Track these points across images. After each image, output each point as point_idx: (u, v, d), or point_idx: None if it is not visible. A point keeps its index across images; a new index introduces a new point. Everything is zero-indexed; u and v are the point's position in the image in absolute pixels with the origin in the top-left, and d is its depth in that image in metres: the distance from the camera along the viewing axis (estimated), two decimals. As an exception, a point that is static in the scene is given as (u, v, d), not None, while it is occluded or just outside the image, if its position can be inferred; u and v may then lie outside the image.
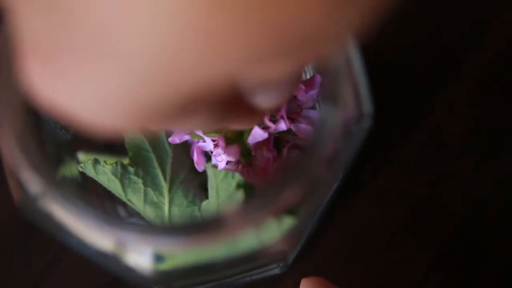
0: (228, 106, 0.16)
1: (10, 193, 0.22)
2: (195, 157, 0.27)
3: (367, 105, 0.22)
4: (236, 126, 0.19)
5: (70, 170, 0.29)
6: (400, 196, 0.36)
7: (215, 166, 0.25)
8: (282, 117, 0.26)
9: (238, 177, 0.25)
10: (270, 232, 0.21)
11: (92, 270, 0.34)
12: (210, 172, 0.25)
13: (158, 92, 0.13)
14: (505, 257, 0.35)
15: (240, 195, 0.25)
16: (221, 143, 0.26)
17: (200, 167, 0.27)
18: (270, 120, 0.26)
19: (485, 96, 0.37)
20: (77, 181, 0.29)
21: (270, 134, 0.26)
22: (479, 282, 0.35)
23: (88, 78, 0.13)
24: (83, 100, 0.14)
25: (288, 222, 0.21)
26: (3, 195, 0.34)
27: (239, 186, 0.25)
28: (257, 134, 0.26)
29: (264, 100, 0.17)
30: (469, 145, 0.36)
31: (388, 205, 0.36)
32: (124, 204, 0.31)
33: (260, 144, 0.26)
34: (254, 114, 0.19)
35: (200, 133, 0.27)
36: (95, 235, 0.21)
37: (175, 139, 0.27)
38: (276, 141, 0.27)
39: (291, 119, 0.26)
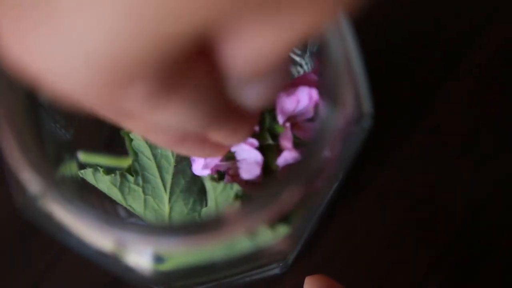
0: (211, 97, 0.15)
1: (10, 193, 0.22)
2: (196, 166, 0.27)
3: (367, 105, 0.22)
4: (222, 134, 0.18)
5: (70, 169, 0.29)
6: (400, 196, 0.36)
7: (214, 178, 0.25)
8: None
9: (236, 187, 0.25)
10: (267, 236, 0.21)
11: (92, 270, 0.34)
12: (208, 185, 0.25)
13: (132, 48, 0.12)
14: (505, 257, 0.35)
15: (237, 205, 0.25)
16: (255, 168, 0.26)
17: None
18: (295, 142, 0.26)
19: (485, 96, 0.37)
20: (77, 181, 0.29)
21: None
22: (479, 282, 0.34)
23: (57, 32, 0.12)
24: (51, 59, 0.13)
25: (283, 230, 0.21)
26: (3, 195, 0.34)
27: (236, 196, 0.25)
28: (290, 156, 0.25)
29: (251, 97, 0.16)
30: (469, 145, 0.36)
31: (388, 205, 0.36)
32: (124, 204, 0.31)
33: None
34: (242, 122, 0.18)
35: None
36: (95, 235, 0.21)
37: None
38: None
39: None
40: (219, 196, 0.25)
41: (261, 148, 0.26)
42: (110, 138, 0.33)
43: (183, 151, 0.20)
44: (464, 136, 0.37)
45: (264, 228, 0.21)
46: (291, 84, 0.26)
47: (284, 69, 0.16)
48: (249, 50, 0.13)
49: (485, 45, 0.38)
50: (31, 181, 0.20)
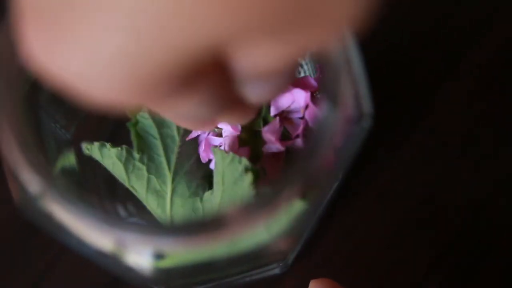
0: (222, 94, 0.17)
1: (10, 193, 0.22)
2: (202, 148, 0.27)
3: (367, 105, 0.22)
4: (228, 119, 0.19)
5: (68, 160, 0.29)
6: (400, 196, 0.36)
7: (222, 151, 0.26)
8: (298, 136, 0.26)
9: (245, 161, 0.25)
10: (274, 228, 0.21)
11: (92, 270, 0.34)
12: (217, 156, 0.25)
13: (153, 57, 0.13)
14: (505, 257, 0.35)
15: (248, 179, 0.25)
16: (235, 143, 0.27)
17: (204, 159, 0.28)
18: (283, 136, 0.27)
19: (485, 96, 0.37)
20: (76, 180, 0.29)
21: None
22: (479, 282, 0.34)
23: (83, 39, 0.13)
24: (76, 65, 0.13)
25: (298, 207, 0.21)
26: (3, 195, 0.34)
27: (247, 169, 0.25)
28: (274, 146, 0.26)
29: (257, 94, 0.17)
30: (469, 145, 0.36)
31: (388, 205, 0.36)
32: (124, 204, 0.31)
33: (272, 154, 0.27)
34: (247, 110, 0.19)
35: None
36: (95, 235, 0.21)
37: (193, 135, 0.27)
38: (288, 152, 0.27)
39: (305, 136, 0.26)
40: (227, 168, 0.25)
41: (251, 134, 0.27)
42: (110, 137, 0.33)
43: (190, 127, 0.23)
44: (464, 136, 0.37)
45: (266, 225, 0.21)
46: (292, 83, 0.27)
47: (289, 73, 0.17)
48: (257, 59, 0.14)
49: (485, 45, 0.38)
50: (31, 181, 0.20)
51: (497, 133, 0.37)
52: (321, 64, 0.28)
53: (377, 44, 0.38)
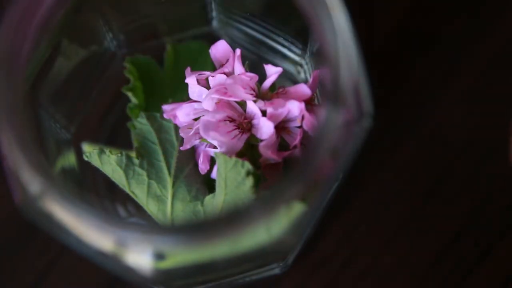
0: None
1: (10, 193, 0.22)
2: (201, 161, 0.27)
3: (367, 105, 0.22)
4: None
5: (68, 160, 0.29)
6: (400, 196, 0.36)
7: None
8: (296, 147, 0.26)
9: (247, 165, 0.25)
10: (274, 229, 0.21)
11: (92, 270, 0.34)
12: (220, 160, 0.25)
13: None
14: (505, 257, 0.35)
15: (249, 182, 0.25)
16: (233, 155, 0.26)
17: (203, 171, 0.27)
18: (281, 146, 0.26)
19: (486, 95, 0.37)
20: (75, 172, 0.29)
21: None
22: (479, 282, 0.35)
23: None
24: None
25: (298, 208, 0.21)
26: (3, 195, 0.34)
27: (248, 173, 0.25)
28: (271, 158, 0.26)
29: None
30: (469, 145, 0.36)
31: (388, 205, 0.36)
32: (124, 204, 0.31)
33: (271, 165, 0.27)
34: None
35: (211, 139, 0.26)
36: (95, 235, 0.21)
37: (187, 146, 0.27)
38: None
39: (303, 144, 0.26)
40: (229, 172, 0.25)
41: (248, 147, 0.27)
42: (110, 138, 0.33)
43: None
44: (464, 136, 0.37)
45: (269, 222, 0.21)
46: (285, 92, 0.27)
47: None
48: None
49: (486, 45, 0.38)
50: (31, 181, 0.20)
51: (497, 133, 0.37)
52: (319, 67, 0.28)
53: (378, 43, 0.38)
